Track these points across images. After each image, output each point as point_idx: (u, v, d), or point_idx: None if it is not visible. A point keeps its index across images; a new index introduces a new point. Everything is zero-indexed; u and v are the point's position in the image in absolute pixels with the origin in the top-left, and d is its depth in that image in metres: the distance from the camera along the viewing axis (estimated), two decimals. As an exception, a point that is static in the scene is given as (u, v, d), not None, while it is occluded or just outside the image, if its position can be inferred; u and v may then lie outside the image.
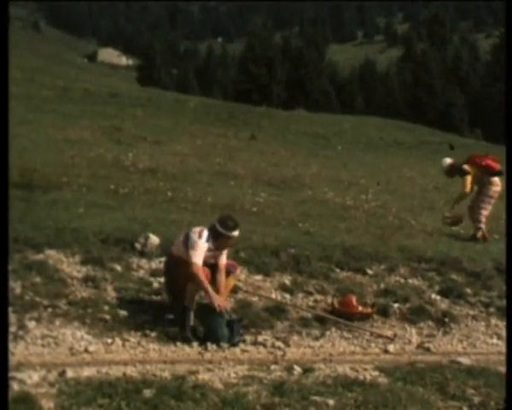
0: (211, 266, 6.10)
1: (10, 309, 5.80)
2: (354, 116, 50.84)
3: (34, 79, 39.41)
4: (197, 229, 6.09)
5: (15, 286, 6.20)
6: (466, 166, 10.62)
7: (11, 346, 5.25)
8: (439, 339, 6.76)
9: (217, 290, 6.05)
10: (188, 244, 5.99)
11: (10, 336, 5.41)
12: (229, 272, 6.28)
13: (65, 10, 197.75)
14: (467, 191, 10.62)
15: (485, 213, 10.53)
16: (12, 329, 5.53)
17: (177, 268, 6.05)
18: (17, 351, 5.21)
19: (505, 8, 7.03)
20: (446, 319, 7.15)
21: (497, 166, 10.63)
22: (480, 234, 10.48)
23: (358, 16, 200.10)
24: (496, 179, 10.61)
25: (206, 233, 6.02)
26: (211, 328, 5.88)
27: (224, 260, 6.27)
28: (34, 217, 7.97)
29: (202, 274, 5.87)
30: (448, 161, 11.01)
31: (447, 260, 8.53)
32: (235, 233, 6.14)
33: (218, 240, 6.08)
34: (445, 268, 8.38)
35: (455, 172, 10.87)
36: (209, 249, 6.05)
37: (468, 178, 10.54)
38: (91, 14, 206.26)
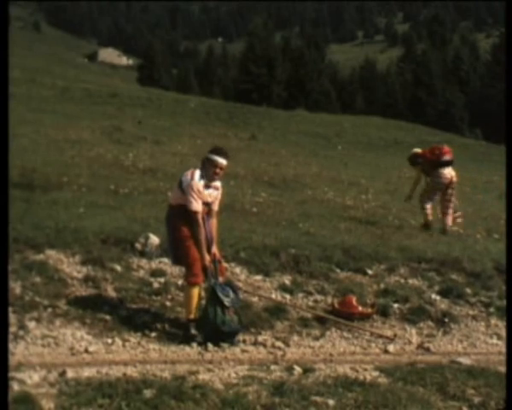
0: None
1: (10, 309, 5.81)
2: (354, 116, 50.91)
3: (34, 79, 39.41)
4: (188, 171, 6.05)
5: (15, 286, 6.20)
6: (419, 160, 10.97)
7: (11, 346, 5.25)
8: (439, 339, 6.75)
9: (210, 234, 6.10)
10: (183, 188, 5.96)
11: (10, 337, 5.41)
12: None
13: (65, 10, 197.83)
14: (418, 179, 11.04)
15: (429, 203, 10.81)
16: (12, 329, 5.53)
17: (177, 217, 5.99)
18: (17, 351, 5.21)
19: (505, 8, 7.01)
20: (446, 319, 7.15)
21: (434, 157, 10.84)
22: (426, 218, 10.74)
23: (358, 16, 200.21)
24: (444, 171, 10.79)
25: (197, 172, 5.98)
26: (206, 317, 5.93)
27: (216, 206, 6.24)
28: (34, 217, 7.98)
29: (202, 222, 5.91)
30: (417, 150, 11.33)
31: (447, 261, 8.53)
32: (222, 159, 6.06)
33: (208, 170, 6.01)
34: (445, 268, 8.38)
35: (414, 161, 11.14)
36: (205, 186, 6.01)
37: (419, 168, 10.95)
38: (91, 14, 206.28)
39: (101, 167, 13.33)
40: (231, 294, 6.00)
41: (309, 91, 73.21)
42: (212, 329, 5.86)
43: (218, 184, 6.20)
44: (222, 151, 6.17)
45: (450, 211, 10.83)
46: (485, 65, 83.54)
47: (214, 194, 6.14)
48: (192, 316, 5.98)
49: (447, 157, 10.82)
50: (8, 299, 4.62)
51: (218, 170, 6.06)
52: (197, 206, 5.90)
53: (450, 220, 10.80)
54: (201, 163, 6.09)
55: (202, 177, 5.99)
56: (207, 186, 6.03)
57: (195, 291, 5.98)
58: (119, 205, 9.70)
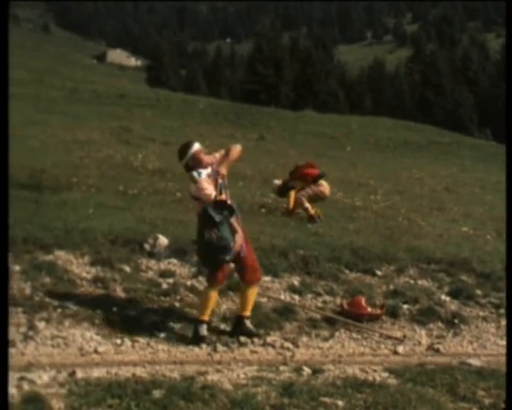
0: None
1: (20, 310, 5.84)
2: (363, 117, 50.75)
3: (43, 80, 39.56)
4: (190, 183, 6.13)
5: (25, 287, 6.23)
6: (291, 183, 11.06)
7: (21, 346, 5.28)
8: (449, 340, 6.72)
9: None
10: (196, 196, 5.99)
11: (20, 337, 5.43)
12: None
13: (74, 11, 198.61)
14: (290, 208, 10.93)
15: (305, 197, 10.77)
16: (22, 329, 5.56)
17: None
18: (27, 351, 5.23)
19: (505, 8, 6.96)
20: (456, 321, 7.11)
21: (316, 171, 11.06)
22: (313, 212, 10.70)
23: (367, 17, 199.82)
24: (322, 182, 11.00)
25: (194, 173, 6.03)
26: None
27: (223, 170, 6.16)
28: (43, 218, 8.00)
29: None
30: (277, 182, 11.55)
31: (457, 261, 8.49)
32: (194, 146, 6.09)
33: (196, 165, 6.05)
34: (455, 269, 8.35)
35: (285, 190, 11.19)
36: (208, 176, 6.02)
37: (292, 194, 10.94)
38: (99, 15, 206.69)
39: (110, 168, 13.37)
40: (225, 212, 5.93)
41: (317, 92, 73.08)
42: (209, 248, 5.81)
43: (212, 160, 6.18)
44: (187, 144, 6.21)
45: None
46: (494, 65, 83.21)
47: (213, 172, 6.10)
48: (204, 318, 5.98)
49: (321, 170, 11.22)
50: (7, 299, 4.60)
51: (201, 157, 6.09)
52: (211, 192, 5.89)
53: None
54: (188, 169, 6.09)
55: (199, 173, 6.00)
56: (209, 175, 6.04)
57: (214, 294, 6.00)
58: (128, 206, 9.72)
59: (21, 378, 4.49)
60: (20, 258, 6.72)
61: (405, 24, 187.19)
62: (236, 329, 6.14)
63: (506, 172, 5.65)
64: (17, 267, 6.54)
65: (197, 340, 5.84)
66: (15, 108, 24.78)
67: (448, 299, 7.62)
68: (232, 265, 6.14)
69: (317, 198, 10.93)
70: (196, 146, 6.13)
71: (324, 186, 10.98)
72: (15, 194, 9.67)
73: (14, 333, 5.50)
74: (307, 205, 10.71)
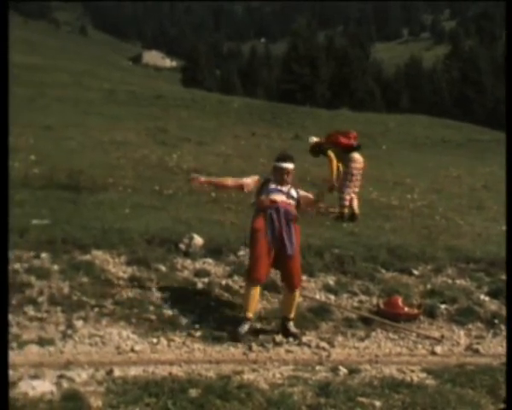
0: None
1: (59, 309, 5.94)
2: (400, 115, 50.21)
3: (81, 83, 40.16)
4: None
5: (63, 286, 6.33)
6: (326, 146, 10.73)
7: (60, 345, 5.36)
8: (489, 341, 6.60)
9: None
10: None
11: (59, 335, 5.52)
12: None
13: (110, 14, 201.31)
14: (334, 167, 10.53)
15: (347, 191, 10.47)
16: (61, 328, 5.65)
17: (256, 212, 6.42)
18: (66, 350, 5.31)
19: (505, 8, 6.77)
20: (496, 321, 6.98)
21: (350, 142, 10.62)
22: (345, 211, 10.44)
23: (404, 14, 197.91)
24: (354, 156, 10.55)
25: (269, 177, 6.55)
26: None
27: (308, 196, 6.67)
28: (81, 218, 8.11)
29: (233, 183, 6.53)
30: (314, 139, 11.10)
31: (497, 261, 8.30)
32: (285, 164, 6.36)
33: (276, 176, 6.41)
34: (495, 269, 8.16)
35: (318, 151, 10.89)
36: (274, 188, 6.32)
37: (331, 154, 10.56)
38: (136, 17, 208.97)
39: (146, 168, 13.47)
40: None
41: (353, 90, 72.74)
42: None
43: (292, 193, 6.43)
44: (286, 157, 6.48)
45: (356, 197, 10.62)
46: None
47: (282, 198, 6.30)
48: (247, 314, 6.00)
49: (358, 142, 10.76)
50: (7, 299, 4.64)
51: (285, 176, 6.36)
52: (246, 180, 6.28)
53: (356, 205, 10.60)
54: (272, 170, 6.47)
55: (272, 181, 6.42)
56: (277, 190, 6.31)
57: (252, 290, 6.01)
58: (164, 206, 9.78)
59: (60, 376, 4.56)
60: (58, 258, 6.82)
61: (443, 21, 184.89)
62: (280, 329, 6.15)
63: (506, 171, 5.51)
64: (56, 267, 6.65)
65: (234, 337, 5.85)
66: (55, 110, 25.24)
67: (487, 299, 7.47)
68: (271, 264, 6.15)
69: (357, 177, 10.57)
70: (286, 165, 6.38)
71: (359, 162, 10.55)
72: (55, 194, 9.85)
73: (53, 332, 5.60)
74: (347, 202, 10.46)
